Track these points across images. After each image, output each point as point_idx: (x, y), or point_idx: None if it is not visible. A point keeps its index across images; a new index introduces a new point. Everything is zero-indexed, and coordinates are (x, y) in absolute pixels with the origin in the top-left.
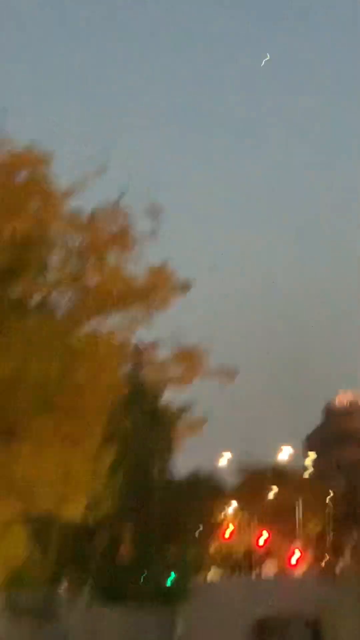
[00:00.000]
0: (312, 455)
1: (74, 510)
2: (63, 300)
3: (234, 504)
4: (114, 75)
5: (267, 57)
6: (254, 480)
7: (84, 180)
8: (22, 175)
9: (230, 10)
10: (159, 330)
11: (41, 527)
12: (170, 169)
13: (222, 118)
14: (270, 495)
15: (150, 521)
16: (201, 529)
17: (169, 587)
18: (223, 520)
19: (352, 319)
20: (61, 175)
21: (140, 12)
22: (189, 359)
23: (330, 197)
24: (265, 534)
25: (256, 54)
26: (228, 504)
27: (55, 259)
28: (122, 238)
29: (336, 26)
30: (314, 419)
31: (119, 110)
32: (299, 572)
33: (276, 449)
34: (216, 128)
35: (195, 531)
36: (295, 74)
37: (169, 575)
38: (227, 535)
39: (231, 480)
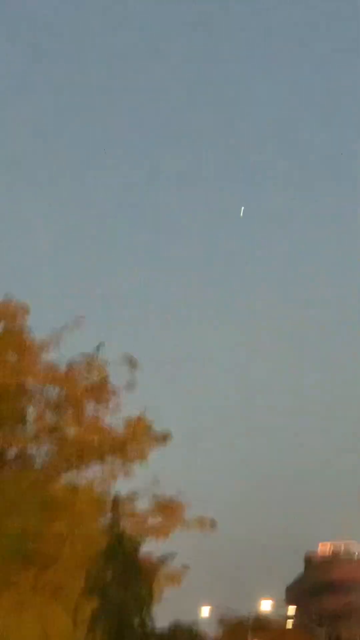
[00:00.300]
0: (293, 606)
1: None
2: (41, 451)
3: None
4: (93, 225)
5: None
6: (234, 632)
7: (61, 332)
8: (0, 326)
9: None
10: (138, 481)
11: None
12: (148, 319)
13: (202, 269)
14: None
15: None
16: None
17: None
18: None
19: (332, 471)
20: (38, 327)
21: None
22: (168, 510)
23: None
24: None
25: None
26: None
27: (33, 410)
28: (100, 389)
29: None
30: (295, 570)
31: (96, 261)
32: None
33: (257, 599)
34: (194, 277)
35: None
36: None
37: None
38: None
39: (212, 632)
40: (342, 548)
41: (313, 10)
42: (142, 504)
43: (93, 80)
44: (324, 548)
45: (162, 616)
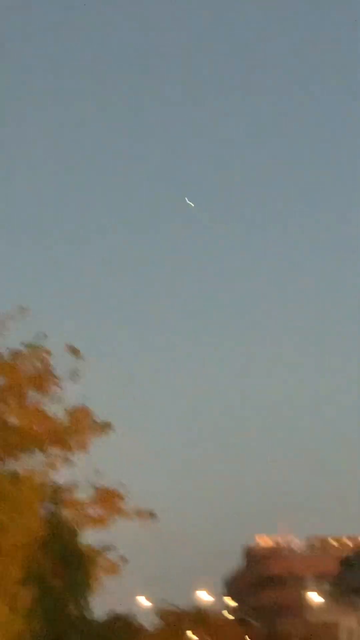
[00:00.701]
0: (230, 599)
1: None
2: None
3: None
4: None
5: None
6: (172, 624)
7: (3, 321)
8: None
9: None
10: (78, 471)
11: None
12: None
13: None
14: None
15: None
16: None
17: None
18: None
19: (271, 465)
20: None
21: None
22: (107, 501)
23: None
24: None
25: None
26: None
27: None
28: (42, 378)
29: None
30: (234, 563)
31: (42, 251)
32: None
33: (196, 591)
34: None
35: None
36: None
37: None
38: None
39: (149, 623)
40: (281, 542)
41: None
42: (82, 494)
43: None
44: (263, 541)
45: (100, 607)
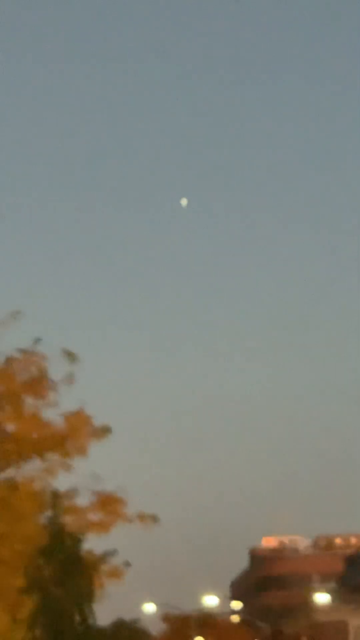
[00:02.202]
0: (237, 601)
1: None
2: None
3: None
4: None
5: None
6: (179, 629)
7: None
8: None
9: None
10: (78, 476)
11: None
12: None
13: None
14: None
15: None
16: None
17: None
18: None
19: (275, 467)
20: None
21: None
22: (109, 505)
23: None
24: None
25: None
26: None
27: None
28: (38, 384)
29: None
30: (240, 565)
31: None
32: None
33: (201, 595)
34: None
35: None
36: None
37: None
38: None
39: (156, 628)
40: (287, 543)
41: None
42: (83, 500)
43: None
44: (268, 543)
45: (104, 614)
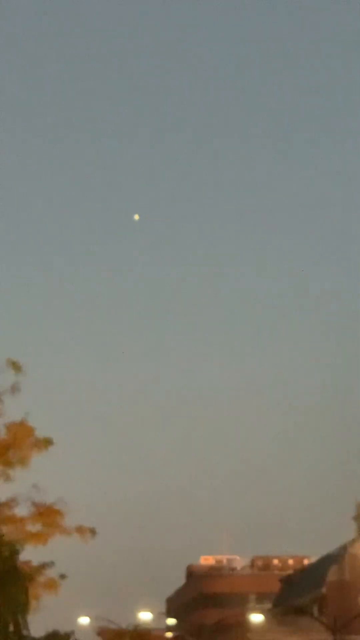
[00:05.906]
0: (172, 618)
1: None
2: None
3: None
4: None
5: None
6: None
7: None
8: None
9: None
10: (19, 486)
11: None
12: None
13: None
14: None
15: None
16: None
17: None
18: None
19: (213, 485)
20: None
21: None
22: (48, 517)
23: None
24: None
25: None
26: None
27: None
28: None
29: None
30: (177, 582)
31: None
32: None
33: (137, 611)
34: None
35: None
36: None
37: None
38: None
39: None
40: (224, 562)
41: None
42: (22, 510)
43: None
44: (206, 561)
45: (39, 625)
